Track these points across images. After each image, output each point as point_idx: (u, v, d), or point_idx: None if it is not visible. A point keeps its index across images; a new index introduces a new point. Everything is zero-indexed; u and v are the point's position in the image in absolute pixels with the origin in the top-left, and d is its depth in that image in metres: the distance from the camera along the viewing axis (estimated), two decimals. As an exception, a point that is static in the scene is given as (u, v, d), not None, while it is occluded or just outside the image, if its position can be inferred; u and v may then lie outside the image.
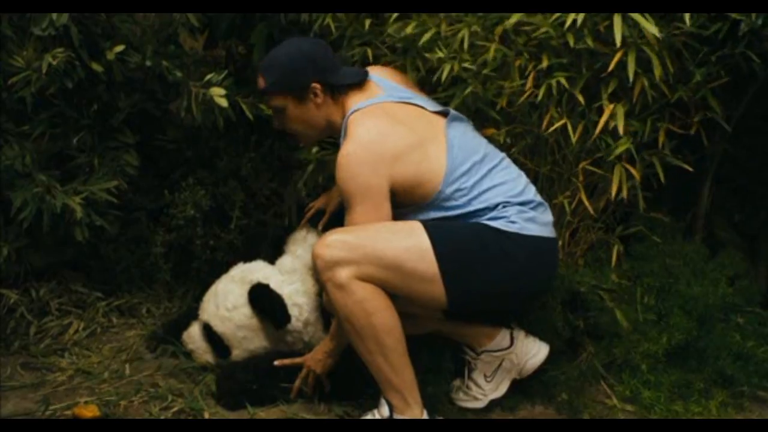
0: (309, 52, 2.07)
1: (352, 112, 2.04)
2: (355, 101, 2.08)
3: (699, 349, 2.33)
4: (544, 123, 2.15)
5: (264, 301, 2.27)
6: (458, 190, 2.01)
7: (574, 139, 2.10)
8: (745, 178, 2.65)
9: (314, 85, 2.06)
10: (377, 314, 1.91)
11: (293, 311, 2.28)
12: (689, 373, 2.30)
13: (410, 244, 1.94)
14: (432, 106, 2.14)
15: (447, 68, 2.11)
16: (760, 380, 2.31)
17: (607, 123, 2.07)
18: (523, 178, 2.11)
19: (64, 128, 2.48)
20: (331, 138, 2.32)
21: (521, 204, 2.02)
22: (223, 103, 2.39)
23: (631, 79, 2.00)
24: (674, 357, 2.31)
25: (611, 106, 2.08)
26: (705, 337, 2.34)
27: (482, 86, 2.14)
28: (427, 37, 2.13)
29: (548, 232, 2.06)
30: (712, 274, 2.45)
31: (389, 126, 2.00)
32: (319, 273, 1.94)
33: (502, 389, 2.21)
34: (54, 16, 2.24)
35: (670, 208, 2.58)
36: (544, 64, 2.07)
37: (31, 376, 2.33)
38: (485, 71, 2.10)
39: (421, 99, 2.14)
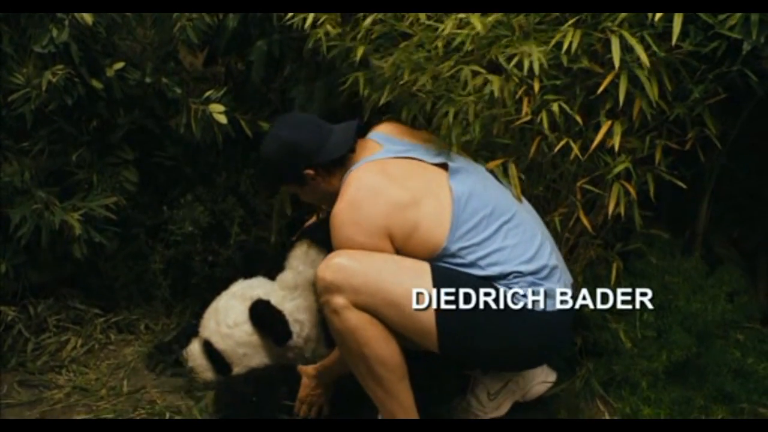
0: (291, 141, 2.03)
1: (349, 172, 2.00)
2: (353, 161, 2.04)
3: (699, 366, 2.32)
4: (534, 147, 2.11)
5: (265, 318, 2.26)
6: (465, 247, 1.92)
7: (580, 155, 2.06)
8: (744, 194, 2.64)
9: (306, 172, 2.04)
10: (369, 345, 1.88)
11: (294, 328, 2.27)
12: (689, 390, 2.29)
13: (414, 286, 1.88)
14: (433, 157, 2.03)
15: (452, 111, 2.02)
16: (760, 397, 2.30)
17: (605, 141, 2.07)
18: (537, 238, 2.00)
19: (64, 145, 2.49)
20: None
21: (534, 273, 1.93)
22: (223, 119, 2.40)
23: (621, 103, 1.98)
24: (674, 374, 2.30)
25: (608, 123, 2.07)
26: (705, 354, 2.33)
27: (475, 116, 2.05)
28: (424, 79, 2.05)
29: (561, 303, 1.96)
30: (711, 291, 2.44)
31: (381, 183, 1.94)
32: (318, 294, 1.93)
33: (503, 409, 2.19)
34: (54, 33, 2.25)
35: (668, 224, 2.58)
36: (536, 88, 2.00)
37: (28, 394, 2.32)
38: (476, 97, 2.03)
39: (422, 150, 2.05)
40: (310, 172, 2.04)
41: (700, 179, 2.52)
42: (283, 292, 2.32)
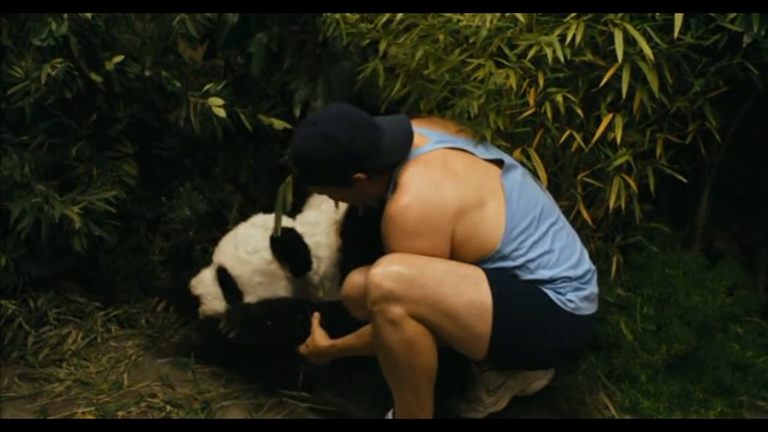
0: (346, 143, 1.86)
1: (405, 162, 1.90)
2: None
3: (698, 359, 2.33)
4: (537, 138, 2.11)
5: (287, 246, 2.22)
6: (516, 249, 1.88)
7: (584, 146, 2.06)
8: (744, 188, 2.65)
9: (358, 176, 1.90)
10: (420, 356, 1.83)
11: (313, 262, 2.24)
12: (688, 383, 2.30)
13: (473, 297, 1.84)
14: (482, 152, 1.97)
15: (475, 104, 1.99)
16: (759, 390, 2.31)
17: (606, 134, 2.06)
18: (578, 242, 2.01)
19: (63, 138, 2.48)
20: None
21: (579, 278, 1.94)
22: (222, 113, 2.40)
23: (624, 95, 1.98)
24: (673, 367, 2.31)
25: (609, 116, 2.07)
26: (704, 348, 2.34)
27: (486, 108, 2.04)
28: (443, 69, 2.04)
29: (595, 307, 2.01)
30: (711, 284, 2.44)
31: (447, 178, 1.86)
32: (370, 301, 1.83)
33: (502, 404, 2.19)
34: (53, 26, 2.24)
35: (668, 218, 2.58)
36: (541, 80, 2.01)
37: (28, 387, 2.32)
38: (489, 89, 2.03)
39: (470, 143, 1.98)
40: (361, 176, 1.90)
41: (700, 173, 2.52)
42: (303, 228, 2.26)
